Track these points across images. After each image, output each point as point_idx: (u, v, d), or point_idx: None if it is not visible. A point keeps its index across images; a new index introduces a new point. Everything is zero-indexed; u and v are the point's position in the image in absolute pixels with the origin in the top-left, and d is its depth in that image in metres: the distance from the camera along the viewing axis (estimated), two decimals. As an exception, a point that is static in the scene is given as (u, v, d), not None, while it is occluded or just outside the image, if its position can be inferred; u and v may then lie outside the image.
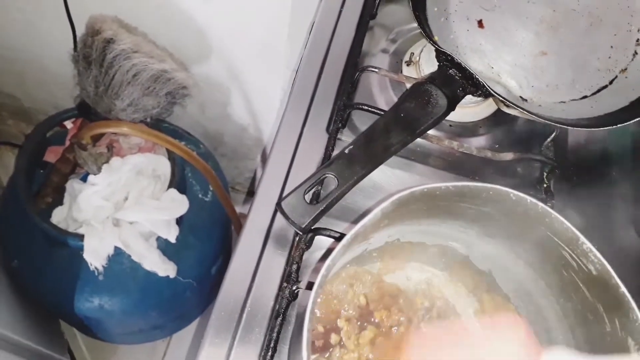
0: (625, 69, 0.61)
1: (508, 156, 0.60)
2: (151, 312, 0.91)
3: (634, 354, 0.38)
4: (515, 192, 0.42)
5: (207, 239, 0.95)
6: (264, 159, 1.18)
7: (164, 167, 0.91)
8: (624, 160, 0.61)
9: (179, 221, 0.88)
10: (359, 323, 0.52)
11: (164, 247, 0.87)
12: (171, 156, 0.92)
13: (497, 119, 0.65)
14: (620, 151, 0.62)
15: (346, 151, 0.52)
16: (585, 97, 0.61)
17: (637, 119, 0.54)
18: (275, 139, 0.60)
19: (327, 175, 0.51)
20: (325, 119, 0.62)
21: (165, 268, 0.85)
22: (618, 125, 0.54)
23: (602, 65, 0.62)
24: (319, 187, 0.55)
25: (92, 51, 0.88)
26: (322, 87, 0.65)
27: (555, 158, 0.63)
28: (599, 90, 0.61)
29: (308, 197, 0.51)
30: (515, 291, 0.52)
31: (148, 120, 0.91)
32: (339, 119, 0.61)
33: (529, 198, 0.42)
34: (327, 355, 0.49)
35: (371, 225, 0.40)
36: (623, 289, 0.39)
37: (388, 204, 0.39)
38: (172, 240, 0.86)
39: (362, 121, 0.63)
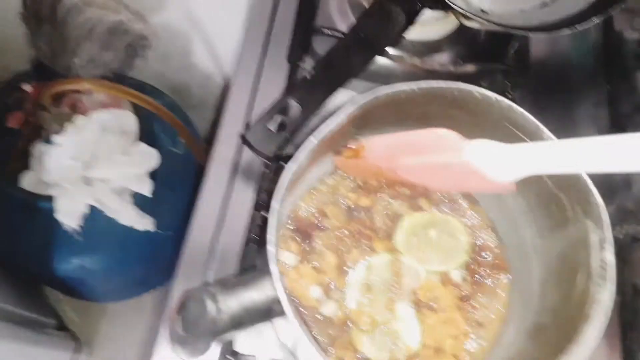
0: (585, -28, 0.60)
1: (471, 68, 0.59)
2: (133, 267, 0.91)
3: (592, 234, 0.39)
4: (480, 90, 0.42)
5: (183, 190, 0.94)
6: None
7: (131, 122, 0.89)
8: (585, 66, 0.61)
9: (153, 175, 0.87)
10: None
11: (141, 202, 0.86)
12: (137, 110, 0.90)
13: (459, 35, 0.64)
14: (582, 58, 0.62)
15: (307, 76, 0.52)
16: (545, 4, 0.60)
17: (597, 20, 0.53)
18: (236, 72, 0.59)
19: (289, 102, 0.50)
20: (285, 47, 0.60)
21: (142, 222, 0.85)
22: (577, 27, 0.53)
23: (562, -30, 0.61)
24: (284, 116, 0.54)
25: (42, 7, 0.84)
26: (280, 15, 0.63)
27: (518, 68, 0.62)
28: (559, -5, 0.60)
29: (273, 127, 0.50)
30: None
31: (110, 75, 0.89)
32: (300, 45, 0.60)
33: (493, 95, 0.42)
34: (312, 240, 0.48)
35: (337, 132, 0.39)
36: (584, 175, 0.39)
37: (353, 107, 0.39)
38: (147, 194, 0.85)
39: (324, 48, 0.61)
